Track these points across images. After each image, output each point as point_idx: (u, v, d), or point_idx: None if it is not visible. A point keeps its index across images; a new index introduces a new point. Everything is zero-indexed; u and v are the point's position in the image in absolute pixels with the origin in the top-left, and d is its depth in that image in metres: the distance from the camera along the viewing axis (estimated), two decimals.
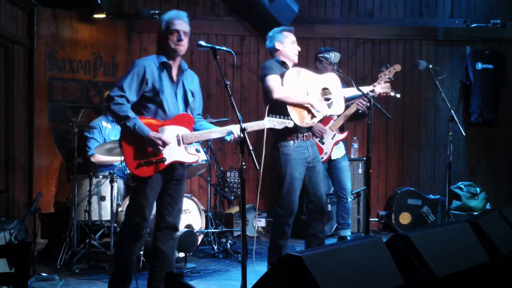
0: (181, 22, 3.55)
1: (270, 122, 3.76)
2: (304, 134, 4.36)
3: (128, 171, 3.75)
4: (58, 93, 5.75)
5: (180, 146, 3.56)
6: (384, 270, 2.63)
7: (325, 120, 5.26)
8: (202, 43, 3.38)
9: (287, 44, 4.39)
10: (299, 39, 6.52)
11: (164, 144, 3.43)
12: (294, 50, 4.41)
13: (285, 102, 4.18)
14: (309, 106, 4.27)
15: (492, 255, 3.21)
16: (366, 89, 4.62)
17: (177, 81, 3.58)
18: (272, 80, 4.23)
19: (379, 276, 2.59)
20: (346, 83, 5.41)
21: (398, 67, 4.93)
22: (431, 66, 5.09)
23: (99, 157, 5.18)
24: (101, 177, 5.06)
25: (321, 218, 4.45)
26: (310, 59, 5.95)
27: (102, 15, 5.85)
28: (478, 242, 3.22)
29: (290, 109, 4.20)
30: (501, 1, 6.97)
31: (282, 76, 4.25)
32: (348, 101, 4.93)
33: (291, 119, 4.14)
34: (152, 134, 3.41)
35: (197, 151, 5.24)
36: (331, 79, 4.48)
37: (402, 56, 6.86)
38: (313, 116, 4.32)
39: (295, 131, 4.28)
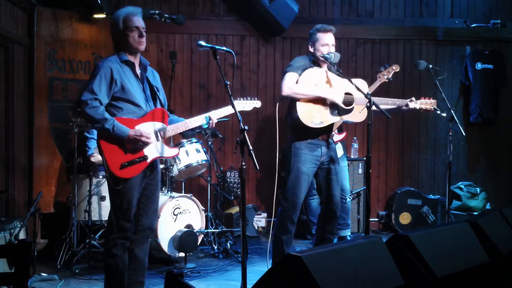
0: (139, 19, 3.50)
1: (239, 105, 3.73)
2: (321, 135, 4.25)
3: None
4: (58, 93, 5.75)
5: (159, 141, 3.52)
6: (384, 270, 2.63)
7: None
8: (202, 43, 3.36)
9: (317, 47, 4.27)
10: (299, 39, 6.61)
11: (147, 139, 3.39)
12: (324, 52, 4.24)
13: (294, 98, 4.13)
14: (323, 98, 4.12)
15: (492, 255, 3.21)
16: (403, 102, 4.48)
17: (141, 78, 3.54)
18: (287, 78, 4.17)
19: (379, 276, 2.59)
20: None
21: (396, 67, 4.91)
22: (431, 66, 5.09)
23: (99, 157, 5.17)
24: (101, 177, 5.07)
25: (331, 219, 4.35)
26: None
27: (102, 15, 5.85)
28: (478, 242, 3.22)
29: (299, 106, 4.13)
30: (501, 1, 6.97)
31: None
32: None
33: (298, 117, 4.11)
34: (132, 132, 3.35)
35: (197, 151, 5.25)
36: (353, 83, 4.23)
37: (402, 56, 6.86)
38: (324, 118, 4.18)
39: (311, 131, 4.18)
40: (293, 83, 4.14)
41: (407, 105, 4.47)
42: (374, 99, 4.24)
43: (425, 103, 4.54)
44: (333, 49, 4.28)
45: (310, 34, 4.34)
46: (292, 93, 4.12)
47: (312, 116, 4.15)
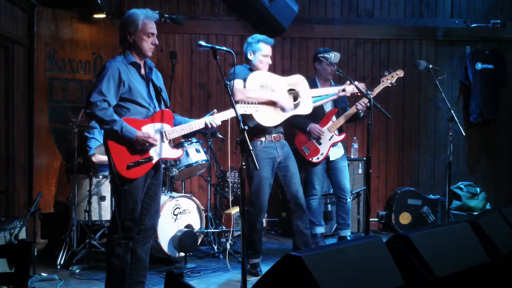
0: (155, 25, 3.52)
1: (241, 108, 3.79)
2: (273, 135, 4.52)
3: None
4: (58, 93, 5.75)
5: (164, 142, 3.55)
6: (384, 270, 2.63)
7: (323, 120, 5.27)
8: (202, 43, 3.37)
9: (258, 57, 4.54)
10: (299, 39, 6.61)
11: (154, 141, 3.43)
12: (263, 64, 4.54)
13: (247, 102, 4.23)
14: (274, 102, 4.41)
15: (492, 255, 3.21)
16: (336, 89, 4.86)
17: (146, 79, 3.56)
18: (236, 84, 4.37)
19: (379, 276, 2.59)
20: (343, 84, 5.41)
21: (401, 73, 4.88)
22: (431, 66, 5.09)
23: (100, 157, 5.18)
24: (101, 177, 5.07)
25: (301, 214, 4.61)
26: (310, 60, 5.95)
27: (102, 15, 5.85)
28: (478, 242, 3.22)
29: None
30: (501, 1, 6.96)
31: (245, 80, 4.41)
32: (320, 101, 5.07)
33: (255, 120, 4.34)
34: (140, 134, 3.38)
35: (197, 151, 5.25)
36: (297, 81, 4.63)
37: (402, 56, 6.86)
38: (277, 115, 4.44)
39: (263, 132, 4.46)
40: (243, 88, 4.37)
41: (344, 90, 4.83)
42: (311, 91, 4.66)
43: (354, 87, 4.64)
44: (270, 61, 4.59)
45: (249, 43, 4.58)
46: (245, 97, 4.28)
47: (267, 116, 4.41)
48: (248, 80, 4.40)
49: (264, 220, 6.32)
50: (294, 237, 4.71)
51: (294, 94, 4.61)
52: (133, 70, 3.48)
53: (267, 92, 4.44)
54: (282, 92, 4.51)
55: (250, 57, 4.56)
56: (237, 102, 4.29)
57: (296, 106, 4.57)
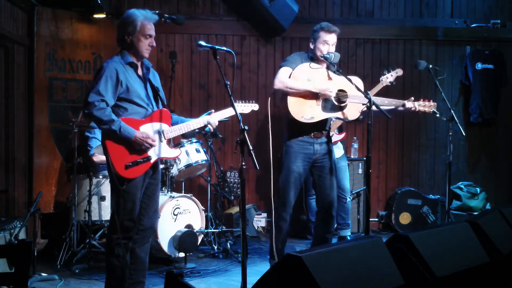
0: (153, 27, 3.52)
1: (238, 107, 3.76)
2: (313, 132, 4.24)
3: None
4: (58, 93, 5.75)
5: (162, 142, 3.56)
6: (384, 270, 2.63)
7: None
8: (202, 43, 3.36)
9: (317, 44, 4.26)
10: (299, 39, 6.61)
11: (153, 141, 3.43)
12: (323, 51, 4.22)
13: (285, 92, 4.12)
14: (315, 93, 4.10)
15: (492, 255, 3.21)
16: (400, 102, 4.43)
17: (144, 79, 3.57)
18: (281, 72, 4.19)
19: (379, 276, 2.59)
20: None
21: (400, 72, 4.85)
22: (431, 66, 5.08)
23: (101, 157, 5.18)
24: (101, 177, 5.07)
25: (326, 218, 4.35)
26: None
27: (102, 15, 5.85)
28: (478, 242, 3.22)
29: (289, 100, 4.12)
30: (501, 1, 6.96)
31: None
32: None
33: (289, 111, 4.10)
34: (139, 134, 3.39)
35: (197, 151, 5.25)
36: (353, 83, 4.17)
37: (402, 56, 6.86)
38: (315, 113, 4.14)
39: (303, 127, 4.19)
40: (285, 77, 4.14)
41: (403, 105, 4.42)
42: (372, 99, 4.22)
43: (424, 105, 4.45)
44: (333, 49, 4.26)
45: (314, 30, 4.32)
46: (283, 87, 4.11)
47: (302, 110, 4.13)
48: (295, 70, 4.15)
49: (264, 220, 6.34)
50: (313, 241, 4.56)
51: (343, 97, 4.20)
52: (130, 70, 3.49)
53: (308, 83, 4.11)
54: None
55: (311, 46, 4.31)
56: (275, 91, 4.20)
57: (340, 108, 4.21)
